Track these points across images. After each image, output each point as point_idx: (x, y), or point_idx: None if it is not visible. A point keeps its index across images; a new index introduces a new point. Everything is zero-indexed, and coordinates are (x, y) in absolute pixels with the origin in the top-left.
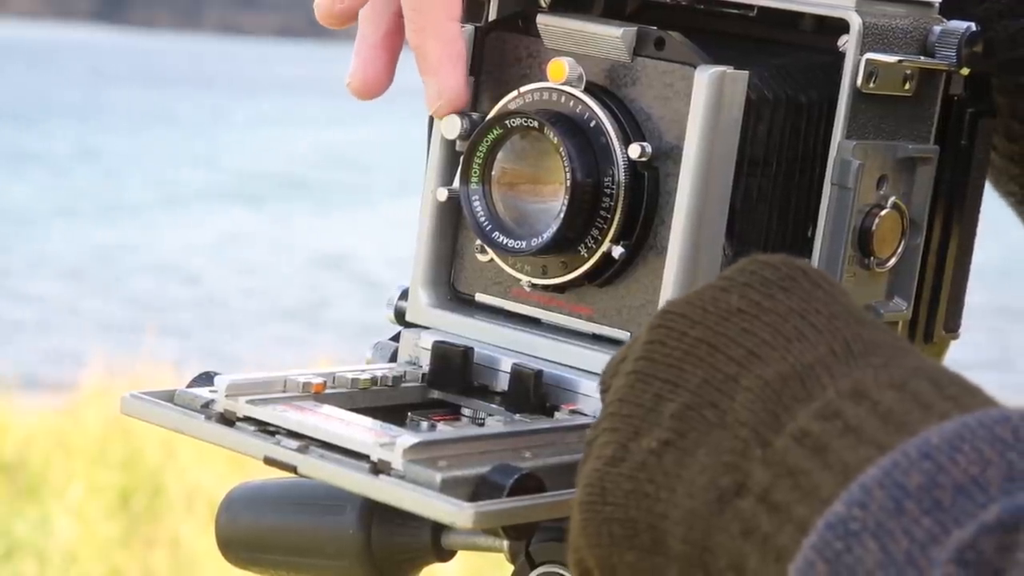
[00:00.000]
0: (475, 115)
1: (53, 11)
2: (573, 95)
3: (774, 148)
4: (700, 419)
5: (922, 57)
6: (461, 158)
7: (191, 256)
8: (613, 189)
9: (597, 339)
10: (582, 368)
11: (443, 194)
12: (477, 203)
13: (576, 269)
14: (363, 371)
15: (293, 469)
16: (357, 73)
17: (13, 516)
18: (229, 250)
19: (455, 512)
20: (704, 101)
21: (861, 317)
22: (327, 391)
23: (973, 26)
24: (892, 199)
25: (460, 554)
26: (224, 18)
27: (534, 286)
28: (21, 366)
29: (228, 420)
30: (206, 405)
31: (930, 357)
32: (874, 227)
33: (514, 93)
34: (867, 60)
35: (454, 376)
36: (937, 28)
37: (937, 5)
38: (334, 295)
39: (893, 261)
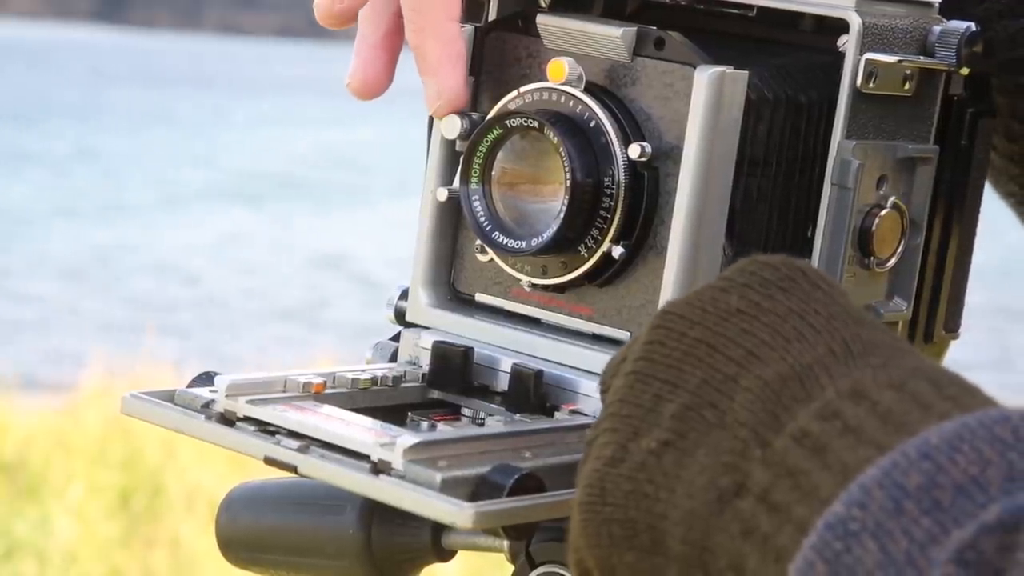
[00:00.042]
0: (475, 115)
1: (53, 11)
2: (573, 95)
3: (774, 148)
4: (699, 419)
5: (922, 57)
6: (461, 158)
7: (191, 256)
8: (613, 189)
9: (597, 339)
10: (582, 368)
11: (443, 194)
12: (477, 203)
13: (576, 269)
14: (363, 371)
15: (293, 469)
16: (357, 73)
17: (13, 516)
18: (229, 250)
19: (455, 512)
20: (704, 101)
21: (860, 317)
22: (327, 391)
23: (973, 26)
24: (892, 199)
25: (460, 554)
26: (224, 18)
27: (534, 286)
28: (21, 366)
29: (228, 420)
30: (206, 405)
31: (930, 357)
32: (874, 227)
33: (514, 93)
34: (867, 60)
35: (454, 376)
36: (937, 28)
37: (937, 5)
38: (334, 295)
39: (893, 261)
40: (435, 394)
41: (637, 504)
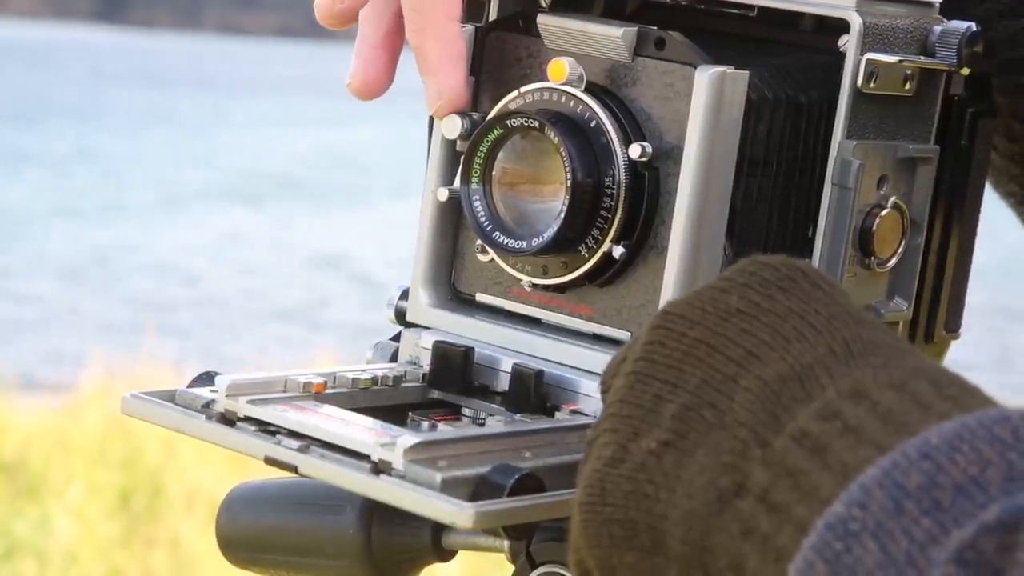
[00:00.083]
0: (475, 115)
1: (53, 11)
2: (573, 95)
3: (774, 148)
4: (699, 420)
5: (922, 57)
6: (461, 158)
7: (191, 256)
8: (613, 189)
9: (597, 339)
10: (583, 368)
11: (444, 194)
12: (478, 203)
13: (577, 269)
14: (364, 371)
15: (294, 469)
16: (357, 73)
17: (13, 516)
18: (229, 250)
19: (455, 512)
20: (704, 101)
21: (860, 317)
22: (328, 391)
23: (973, 26)
24: (892, 199)
25: (460, 554)
26: (224, 18)
27: (534, 286)
28: (21, 366)
29: (229, 420)
30: (207, 405)
31: (930, 357)
32: (874, 227)
33: (514, 93)
34: (867, 60)
35: (455, 376)
36: (937, 28)
37: (937, 5)
38: (334, 295)
39: (893, 261)
40: (435, 394)
41: (637, 504)
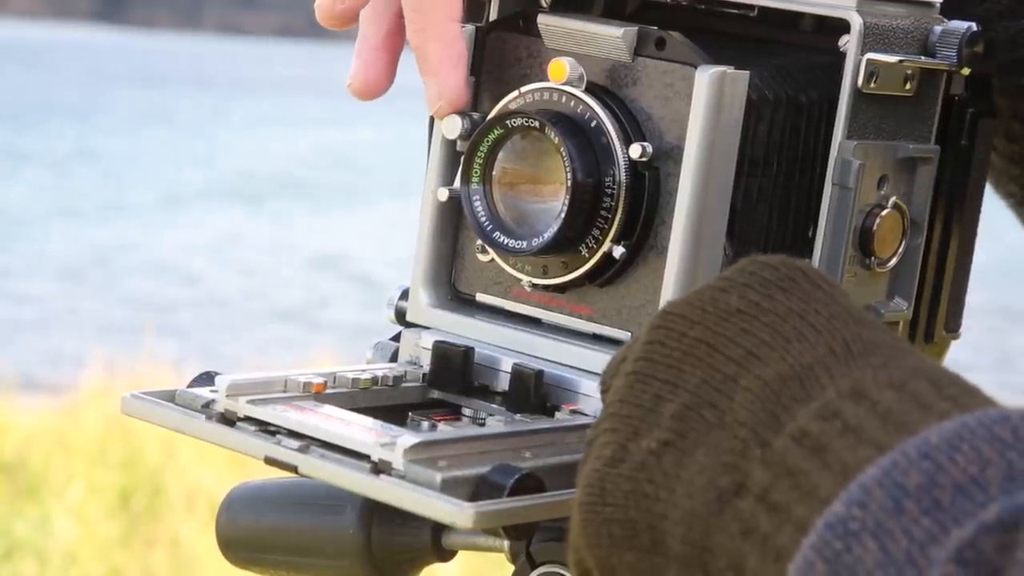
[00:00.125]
0: (476, 115)
1: (53, 11)
2: (574, 95)
3: (774, 148)
4: (699, 419)
5: (923, 57)
6: (462, 158)
7: (190, 256)
8: (614, 189)
9: (597, 339)
10: (583, 368)
11: (444, 194)
12: (478, 203)
13: (577, 269)
14: (364, 371)
15: (294, 469)
16: (358, 74)
17: (13, 516)
18: (228, 250)
19: (455, 512)
20: (705, 101)
21: (860, 317)
22: (328, 391)
23: (974, 26)
24: (893, 199)
25: (460, 554)
26: (224, 18)
27: (535, 286)
28: (21, 366)
29: (229, 420)
30: (207, 405)
31: (930, 357)
32: (875, 227)
33: (515, 93)
34: (868, 60)
35: (455, 376)
36: (938, 28)
37: (938, 5)
38: (333, 295)
39: (894, 261)
40: (435, 394)
41: (637, 504)
